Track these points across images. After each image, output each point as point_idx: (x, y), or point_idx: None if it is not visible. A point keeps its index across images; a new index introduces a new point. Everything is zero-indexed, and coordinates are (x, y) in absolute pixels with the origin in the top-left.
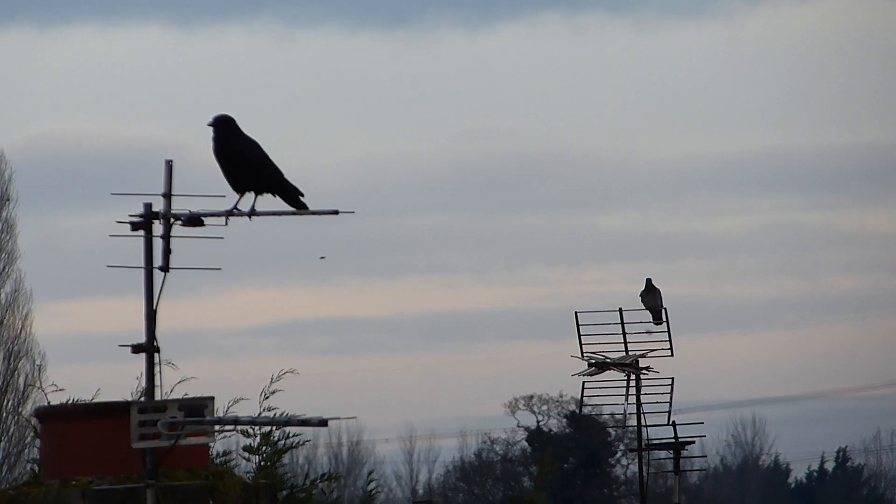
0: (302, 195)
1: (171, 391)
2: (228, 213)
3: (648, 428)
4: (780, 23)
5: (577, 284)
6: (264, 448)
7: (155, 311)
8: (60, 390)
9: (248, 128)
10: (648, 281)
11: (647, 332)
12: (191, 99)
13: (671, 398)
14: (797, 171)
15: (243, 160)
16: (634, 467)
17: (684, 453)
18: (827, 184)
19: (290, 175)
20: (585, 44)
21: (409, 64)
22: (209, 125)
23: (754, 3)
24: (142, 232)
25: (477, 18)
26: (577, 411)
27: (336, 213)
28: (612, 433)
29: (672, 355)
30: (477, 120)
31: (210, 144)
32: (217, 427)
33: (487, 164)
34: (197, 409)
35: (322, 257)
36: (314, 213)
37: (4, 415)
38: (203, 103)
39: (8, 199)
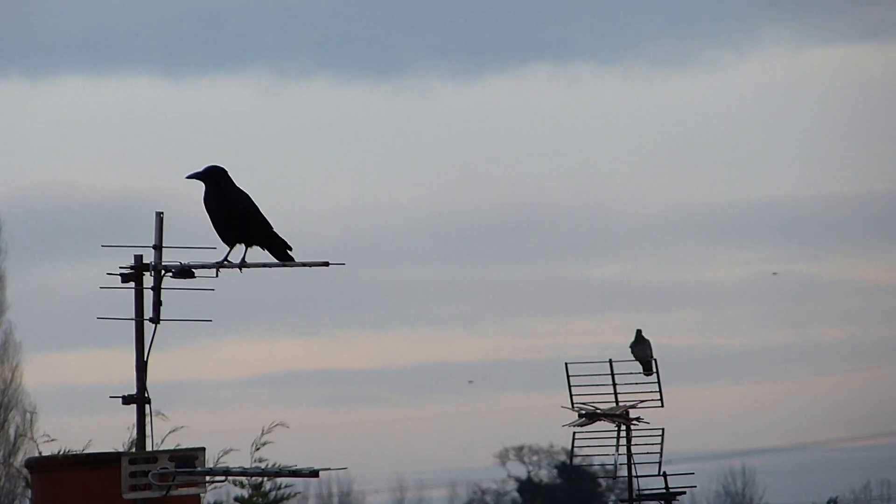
0: (290, 249)
1: (162, 441)
2: (219, 265)
3: (639, 479)
4: (771, 73)
5: (568, 335)
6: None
7: (145, 362)
8: (52, 441)
9: (238, 178)
10: (638, 332)
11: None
12: (181, 150)
13: (661, 449)
14: (786, 221)
15: (234, 211)
16: None
17: None
18: (816, 234)
19: (281, 224)
20: (575, 94)
21: (399, 114)
22: (200, 175)
23: (745, 53)
24: (132, 283)
25: (467, 69)
26: (568, 462)
27: (326, 264)
28: (603, 484)
29: (662, 406)
30: (467, 170)
31: (201, 196)
32: (208, 478)
33: (478, 215)
34: (188, 460)
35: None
36: (305, 264)
37: None
38: (193, 154)
39: None
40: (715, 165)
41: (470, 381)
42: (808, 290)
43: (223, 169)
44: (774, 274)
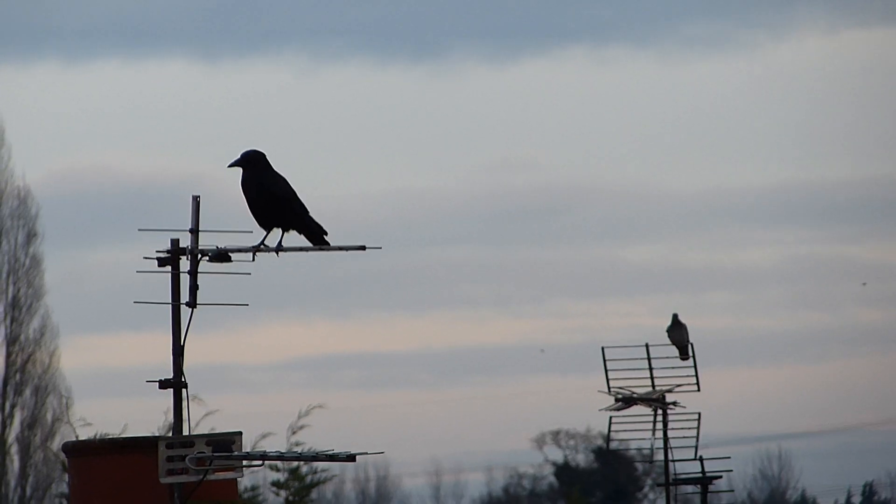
0: (326, 234)
1: (197, 425)
2: (255, 249)
3: (675, 463)
4: (806, 56)
5: (604, 317)
6: (292, 483)
7: (182, 346)
8: (88, 425)
9: (274, 161)
10: (675, 316)
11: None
12: (217, 133)
13: (698, 433)
14: (822, 203)
15: (271, 196)
16: (662, 502)
17: (711, 488)
18: (853, 216)
19: (316, 208)
20: (610, 76)
21: (434, 97)
22: (240, 161)
23: (780, 36)
24: (169, 268)
25: (502, 52)
26: (605, 446)
27: (363, 248)
28: (640, 468)
29: (698, 390)
30: (502, 152)
31: (238, 179)
32: (245, 462)
33: (513, 197)
34: (225, 445)
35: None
36: (341, 248)
37: (32, 450)
38: (230, 137)
39: (35, 235)
40: (750, 147)
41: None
42: (845, 272)
43: (262, 153)
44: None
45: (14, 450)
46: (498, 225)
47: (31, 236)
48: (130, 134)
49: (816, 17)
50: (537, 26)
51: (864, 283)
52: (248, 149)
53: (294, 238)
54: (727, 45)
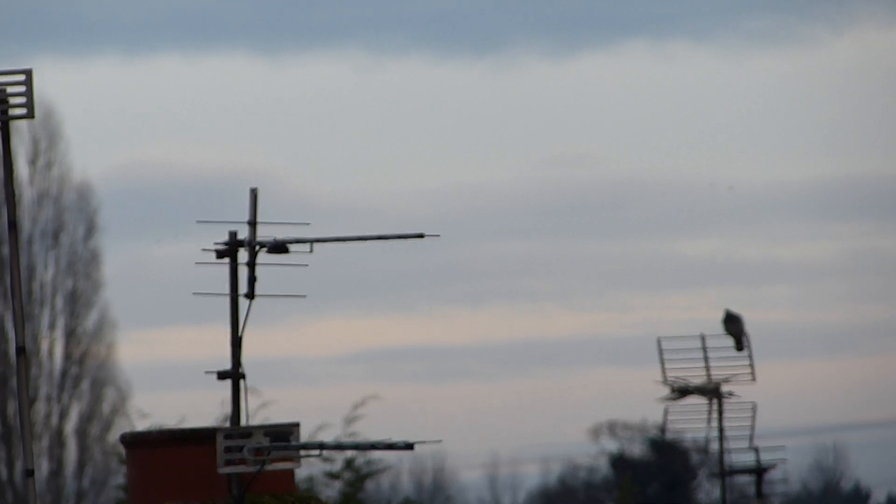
0: None
1: (253, 417)
2: (314, 241)
3: (731, 453)
4: (867, 49)
5: (662, 310)
6: (348, 474)
7: (240, 338)
8: (145, 416)
9: (334, 155)
10: (727, 311)
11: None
12: (276, 126)
13: (753, 423)
14: (880, 198)
15: None
16: (717, 492)
17: (766, 478)
18: None
19: (376, 202)
20: (670, 71)
21: (494, 92)
22: None
23: (840, 30)
24: (227, 259)
25: (563, 47)
26: (660, 437)
27: (421, 236)
28: (695, 458)
29: (754, 381)
30: (562, 146)
31: (295, 172)
32: (302, 452)
33: (572, 190)
34: (282, 435)
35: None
36: (399, 237)
37: (90, 442)
38: (289, 131)
39: (94, 229)
40: (809, 141)
41: (730, 188)
42: None
43: None
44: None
45: (72, 442)
46: (556, 219)
47: (90, 230)
48: (190, 128)
49: (875, 10)
50: (597, 20)
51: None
52: None
53: (351, 227)
54: (787, 39)
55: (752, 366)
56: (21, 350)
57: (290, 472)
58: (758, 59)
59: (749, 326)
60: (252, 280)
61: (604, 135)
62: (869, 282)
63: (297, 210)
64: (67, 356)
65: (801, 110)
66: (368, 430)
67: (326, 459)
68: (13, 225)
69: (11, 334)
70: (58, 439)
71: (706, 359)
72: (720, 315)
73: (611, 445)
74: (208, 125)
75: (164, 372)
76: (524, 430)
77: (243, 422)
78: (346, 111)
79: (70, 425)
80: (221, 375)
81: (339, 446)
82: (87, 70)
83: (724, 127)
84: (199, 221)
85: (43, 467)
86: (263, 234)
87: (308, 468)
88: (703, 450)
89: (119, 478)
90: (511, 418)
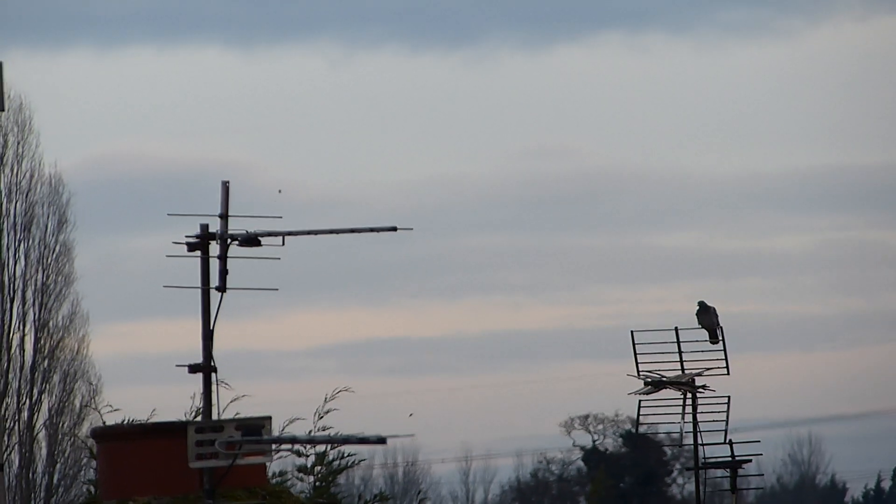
0: None
1: (224, 410)
2: (286, 234)
3: (705, 446)
4: (841, 41)
5: (637, 303)
6: (319, 468)
7: (212, 331)
8: (116, 410)
9: (308, 147)
10: (701, 303)
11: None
12: (250, 119)
13: (727, 417)
14: (857, 189)
15: None
16: (691, 486)
17: (741, 472)
18: (887, 201)
19: (352, 195)
20: (646, 63)
21: (468, 84)
22: None
23: (815, 22)
24: (198, 252)
25: (537, 39)
26: (634, 430)
27: (394, 229)
28: (669, 452)
29: (728, 374)
30: (537, 139)
31: (268, 165)
32: (274, 446)
33: (547, 184)
34: (254, 429)
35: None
36: (372, 230)
37: (60, 436)
38: (262, 124)
39: (65, 222)
40: (785, 133)
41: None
42: (878, 258)
43: None
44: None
45: (42, 436)
46: (532, 212)
47: (61, 223)
48: (162, 121)
49: (852, 3)
50: (572, 13)
51: None
52: None
53: (325, 220)
54: (763, 31)
55: (726, 359)
56: None
57: (262, 466)
58: (734, 51)
59: (724, 319)
60: (223, 273)
61: (579, 128)
62: (844, 275)
63: (270, 203)
64: (38, 350)
65: (777, 102)
66: (341, 424)
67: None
68: None
69: None
70: (28, 433)
71: (680, 352)
72: (694, 308)
73: (584, 439)
74: (181, 118)
75: (137, 366)
76: (497, 423)
77: (214, 416)
78: (319, 104)
79: (40, 419)
80: (193, 369)
81: (312, 440)
82: (59, 63)
83: (699, 119)
84: (170, 214)
85: (13, 461)
86: (235, 227)
87: (279, 463)
88: (677, 443)
89: (90, 472)
90: (484, 412)
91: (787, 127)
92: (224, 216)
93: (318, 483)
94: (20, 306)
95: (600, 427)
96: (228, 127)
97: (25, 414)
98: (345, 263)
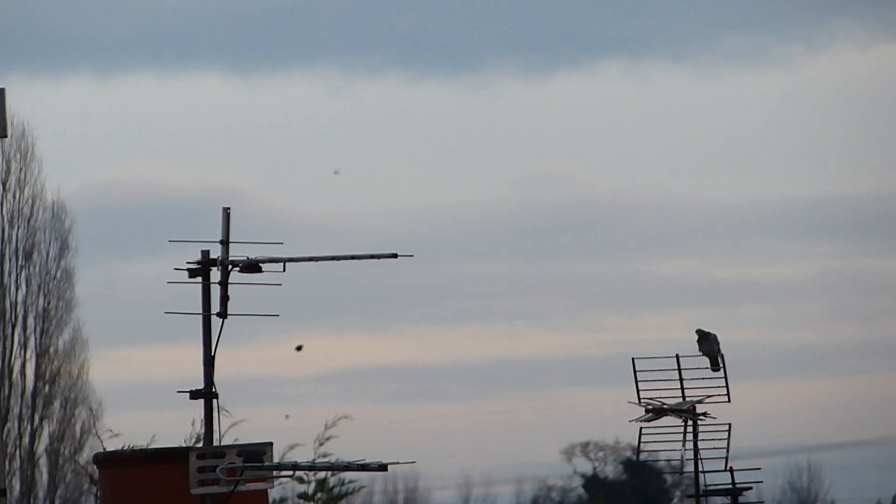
0: None
1: (223, 435)
2: (286, 260)
3: (705, 474)
4: (841, 70)
5: (636, 331)
6: (320, 495)
7: (213, 357)
8: (116, 436)
9: (309, 175)
10: (699, 331)
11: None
12: (250, 146)
13: (728, 444)
14: (856, 217)
15: None
16: None
17: (741, 499)
18: (885, 229)
19: (351, 222)
20: (645, 91)
21: (469, 112)
22: None
23: (815, 51)
24: (199, 278)
25: (538, 67)
26: (634, 457)
27: (395, 256)
28: (669, 479)
29: (729, 401)
30: (536, 167)
31: (267, 192)
32: (275, 473)
33: (546, 211)
34: (255, 455)
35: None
36: (373, 256)
37: (61, 462)
38: (262, 151)
39: (67, 248)
40: (784, 161)
41: (336, 172)
42: (877, 286)
43: None
44: (336, 172)
45: (43, 462)
46: (531, 239)
47: (63, 249)
48: (163, 147)
49: (852, 31)
50: (572, 41)
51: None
52: None
53: (326, 247)
54: (763, 59)
55: (727, 386)
56: None
57: (264, 493)
58: (734, 79)
59: (724, 346)
60: (224, 299)
61: (579, 155)
62: (844, 302)
63: (270, 230)
64: (39, 375)
65: (777, 131)
66: (341, 451)
67: (300, 480)
68: None
69: None
70: (29, 459)
71: (681, 379)
72: (695, 335)
73: (584, 466)
74: (182, 145)
75: (138, 392)
76: (498, 450)
77: (216, 442)
78: (319, 131)
79: (41, 445)
80: (194, 395)
81: (313, 467)
82: (60, 89)
83: (698, 147)
84: (171, 241)
85: (15, 487)
86: (236, 253)
87: (280, 489)
88: (678, 471)
89: (90, 498)
90: (484, 438)
91: (787, 155)
92: (225, 242)
93: None
94: (21, 332)
95: (601, 454)
96: (229, 154)
97: (27, 439)
98: (345, 290)
